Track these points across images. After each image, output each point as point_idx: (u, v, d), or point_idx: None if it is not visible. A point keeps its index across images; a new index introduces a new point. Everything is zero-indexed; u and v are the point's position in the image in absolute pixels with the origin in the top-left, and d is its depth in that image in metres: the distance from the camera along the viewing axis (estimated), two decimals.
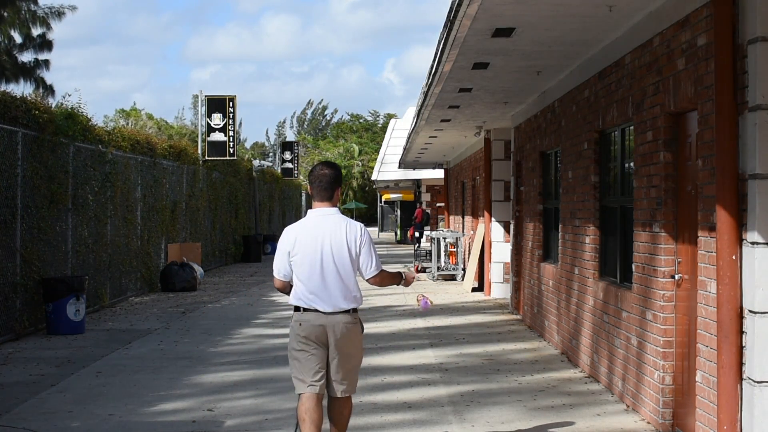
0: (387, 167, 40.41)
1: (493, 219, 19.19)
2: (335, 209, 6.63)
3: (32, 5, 34.67)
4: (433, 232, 25.96)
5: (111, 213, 17.67)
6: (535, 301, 13.99)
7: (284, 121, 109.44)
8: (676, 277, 7.63)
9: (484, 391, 9.52)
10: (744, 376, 6.08)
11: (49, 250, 14.51)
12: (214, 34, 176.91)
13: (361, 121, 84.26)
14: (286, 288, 6.70)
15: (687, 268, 7.51)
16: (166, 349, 12.37)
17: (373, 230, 59.01)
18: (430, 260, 25.33)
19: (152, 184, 20.87)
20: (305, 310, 6.47)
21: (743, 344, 6.10)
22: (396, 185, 48.07)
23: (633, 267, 8.57)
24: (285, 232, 6.62)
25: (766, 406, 5.92)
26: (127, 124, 51.60)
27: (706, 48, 6.68)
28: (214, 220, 28.77)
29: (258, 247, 33.46)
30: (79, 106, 16.67)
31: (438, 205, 41.17)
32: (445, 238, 24.79)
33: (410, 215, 45.09)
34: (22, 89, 35.06)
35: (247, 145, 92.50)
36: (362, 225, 6.72)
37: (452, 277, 24.02)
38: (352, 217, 6.73)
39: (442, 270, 24.27)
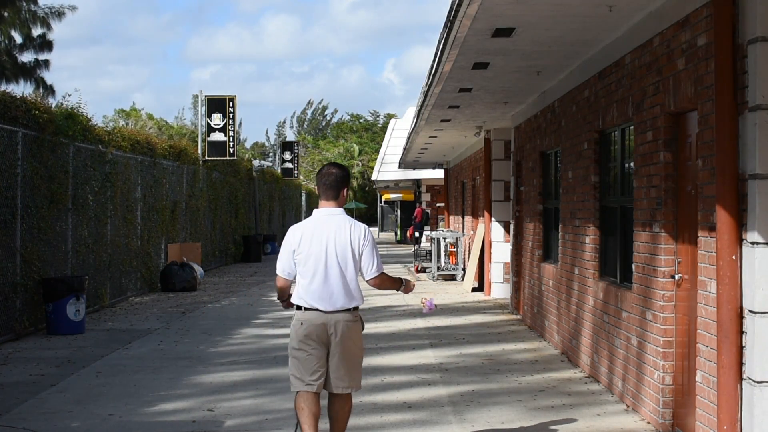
0: (387, 167, 40.41)
1: (493, 219, 19.19)
2: (341, 210, 6.71)
3: (32, 5, 34.67)
4: (433, 232, 25.97)
5: (111, 213, 17.67)
6: (535, 301, 13.99)
7: (284, 121, 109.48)
8: (676, 277, 7.63)
9: (484, 391, 9.52)
10: (744, 376, 6.09)
11: (49, 250, 14.51)
12: (214, 34, 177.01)
13: (361, 121, 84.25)
14: (287, 289, 6.77)
15: (687, 268, 7.51)
16: (166, 349, 12.37)
17: (373, 230, 59.01)
18: (430, 260, 25.33)
19: (152, 184, 20.87)
20: (307, 309, 6.55)
21: (743, 344, 6.10)
22: (396, 185, 48.07)
23: (633, 267, 8.57)
24: (290, 231, 6.70)
25: (766, 406, 5.92)
26: (127, 124, 51.60)
27: (706, 48, 6.68)
28: (214, 220, 28.77)
29: (258, 247, 33.46)
30: (79, 106, 16.69)
31: (438, 205, 41.17)
32: (445, 238, 24.79)
33: (410, 215, 45.11)
34: (22, 89, 35.09)
35: (247, 145, 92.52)
36: (366, 227, 6.80)
37: (452, 277, 24.02)
38: (351, 217, 6.82)
39: (442, 270, 24.26)
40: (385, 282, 6.78)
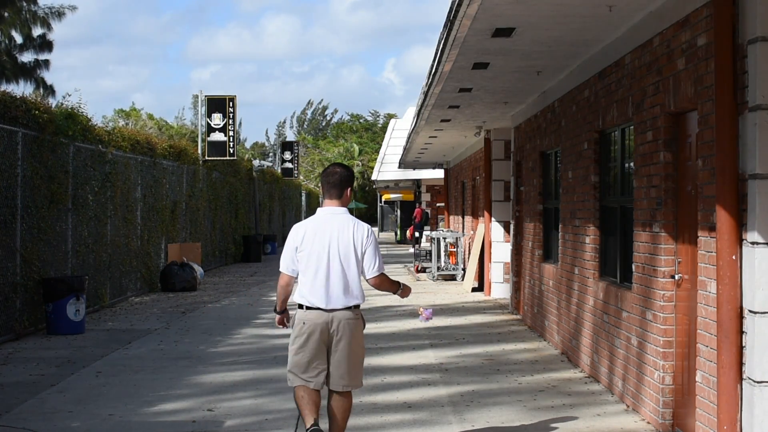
0: (387, 167, 40.40)
1: (493, 219, 19.19)
2: (344, 209, 6.80)
3: (32, 5, 34.67)
4: (433, 232, 25.97)
5: (111, 213, 17.67)
6: (535, 301, 13.99)
7: (284, 121, 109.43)
8: (676, 277, 7.63)
9: (484, 391, 9.52)
10: (744, 376, 6.08)
11: (49, 250, 14.51)
12: (214, 34, 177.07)
13: (361, 121, 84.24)
14: (290, 286, 6.81)
15: (687, 268, 7.51)
16: (166, 349, 12.37)
17: (373, 230, 58.93)
18: (430, 260, 25.33)
19: (152, 184, 20.87)
20: (308, 308, 6.62)
21: (743, 344, 6.10)
22: (396, 185, 48.05)
23: (633, 267, 8.57)
24: (293, 229, 6.79)
25: (766, 406, 5.92)
26: (127, 124, 51.60)
27: (706, 48, 6.68)
28: (214, 220, 28.77)
29: (258, 247, 33.46)
30: (79, 106, 16.68)
31: (438, 205, 41.17)
32: (445, 238, 24.79)
33: (410, 215, 45.09)
34: (22, 89, 35.10)
35: (247, 145, 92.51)
36: (369, 226, 6.90)
37: (452, 277, 24.02)
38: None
39: (442, 270, 24.26)
40: (384, 282, 6.85)
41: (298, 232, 6.72)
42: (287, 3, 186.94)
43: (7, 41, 35.27)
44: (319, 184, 7.12)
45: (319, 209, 6.88)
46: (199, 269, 21.88)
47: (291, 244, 6.71)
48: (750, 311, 6.01)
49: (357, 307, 6.70)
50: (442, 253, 24.64)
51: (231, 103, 28.68)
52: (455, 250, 24.66)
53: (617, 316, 9.10)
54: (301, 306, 6.66)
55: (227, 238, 31.11)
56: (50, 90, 36.01)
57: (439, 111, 15.76)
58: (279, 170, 47.38)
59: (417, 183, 45.24)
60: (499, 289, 19.14)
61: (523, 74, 11.77)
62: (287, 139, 70.46)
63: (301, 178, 61.30)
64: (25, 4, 34.36)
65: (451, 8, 8.52)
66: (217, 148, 28.17)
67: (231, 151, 28.45)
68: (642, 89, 8.38)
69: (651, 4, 7.91)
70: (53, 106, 15.94)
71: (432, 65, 11.87)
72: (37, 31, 35.49)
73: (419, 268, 26.64)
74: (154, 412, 8.62)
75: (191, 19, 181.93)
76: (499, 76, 11.92)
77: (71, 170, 15.50)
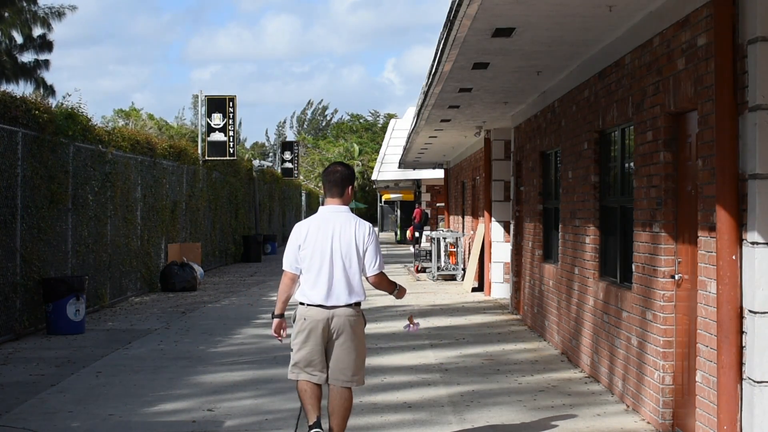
0: (387, 167, 40.40)
1: (493, 219, 19.19)
2: (346, 207, 6.87)
3: (32, 5, 34.67)
4: (433, 232, 25.97)
5: (111, 213, 17.67)
6: (536, 301, 13.99)
7: (284, 121, 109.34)
8: (676, 277, 7.63)
9: (485, 391, 9.52)
10: (744, 376, 6.08)
11: (49, 250, 14.51)
12: (214, 34, 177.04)
13: (361, 121, 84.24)
14: (293, 285, 6.83)
15: (687, 268, 7.51)
16: (166, 349, 12.37)
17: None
18: (430, 260, 25.33)
19: (152, 184, 20.87)
20: (309, 305, 6.69)
21: (743, 344, 6.10)
22: (396, 185, 48.06)
23: (633, 267, 8.57)
24: (296, 227, 6.86)
25: (766, 406, 5.92)
26: (127, 124, 51.61)
27: (706, 48, 6.68)
28: (214, 220, 28.77)
29: (258, 247, 33.46)
30: (79, 106, 16.68)
31: (438, 205, 41.16)
32: (445, 238, 24.79)
33: (410, 215, 45.09)
34: (22, 89, 35.11)
35: (247, 145, 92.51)
36: (371, 225, 6.97)
37: (452, 277, 24.02)
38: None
39: (442, 270, 24.26)
40: (383, 281, 6.91)
41: (301, 230, 6.79)
42: (287, 3, 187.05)
43: (7, 41, 35.27)
44: (320, 184, 7.23)
45: (321, 208, 6.95)
46: (199, 269, 21.88)
47: (294, 243, 6.78)
48: (750, 311, 6.01)
49: (358, 304, 6.77)
50: (442, 253, 24.64)
51: (231, 103, 28.68)
52: (455, 250, 24.66)
53: (617, 316, 9.10)
54: (302, 303, 6.74)
55: (227, 238, 31.11)
56: (50, 90, 36.02)
57: (439, 111, 15.76)
58: (279, 170, 47.38)
59: (417, 183, 45.23)
60: (499, 289, 19.14)
61: (523, 74, 11.77)
62: (287, 139, 70.44)
63: (301, 178, 61.32)
64: (25, 4, 34.36)
65: (451, 8, 8.52)
66: (217, 148, 28.17)
67: (231, 151, 28.45)
68: (642, 89, 8.38)
69: (651, 4, 7.91)
70: (53, 106, 15.95)
71: (432, 65, 11.87)
72: (37, 31, 35.51)
73: (419, 268, 26.64)
74: (154, 412, 8.61)
75: (191, 19, 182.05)
76: (499, 76, 11.92)
77: (71, 170, 15.50)
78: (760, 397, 5.92)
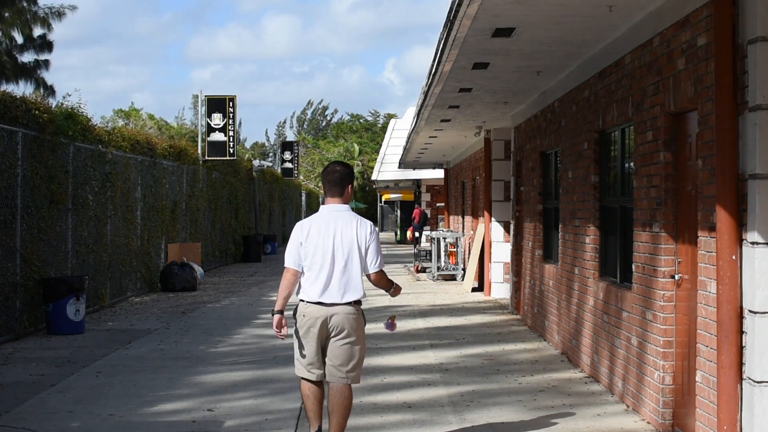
0: (387, 167, 40.40)
1: (493, 219, 19.19)
2: (346, 206, 6.95)
3: (33, 5, 34.67)
4: (433, 232, 25.97)
5: (111, 213, 17.67)
6: (536, 301, 13.99)
7: (284, 121, 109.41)
8: (676, 277, 7.63)
9: (485, 391, 9.52)
10: (744, 376, 6.08)
11: (49, 250, 14.51)
12: (214, 34, 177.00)
13: (361, 121, 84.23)
14: (295, 282, 6.87)
15: (687, 268, 7.51)
16: (166, 349, 12.37)
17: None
18: (430, 260, 25.33)
19: (152, 184, 20.87)
20: (309, 302, 6.78)
21: (743, 344, 6.10)
22: (396, 185, 48.05)
23: (633, 267, 8.57)
24: (297, 226, 6.94)
25: (766, 406, 5.92)
26: (127, 124, 51.62)
27: (706, 48, 6.68)
28: (214, 220, 28.77)
29: (258, 247, 33.46)
30: (79, 106, 16.69)
31: (438, 205, 41.16)
32: (445, 238, 24.79)
33: (410, 215, 45.09)
34: (22, 89, 35.12)
35: (247, 145, 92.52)
36: (372, 223, 7.04)
37: (452, 277, 24.02)
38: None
39: (442, 270, 24.26)
40: (382, 279, 7.00)
41: (302, 228, 6.87)
42: (287, 3, 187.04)
43: (7, 41, 35.27)
44: (320, 184, 7.36)
45: (322, 207, 7.02)
46: (199, 269, 21.88)
47: (295, 240, 6.86)
48: (750, 311, 6.01)
49: (358, 302, 6.84)
50: (442, 253, 24.64)
51: (231, 103, 28.68)
52: (455, 250, 24.66)
53: (617, 316, 9.10)
54: (302, 300, 6.83)
55: (227, 238, 31.11)
56: (50, 90, 36.03)
57: (439, 111, 15.76)
58: (279, 170, 47.38)
59: (417, 183, 45.23)
60: (499, 289, 19.14)
61: (523, 74, 11.77)
62: (287, 139, 70.44)
63: (301, 178, 61.29)
64: (25, 4, 34.37)
65: (451, 8, 8.52)
66: (217, 148, 28.17)
67: (231, 151, 28.46)
68: (642, 89, 8.38)
69: (651, 4, 7.91)
70: (53, 106, 15.95)
71: (432, 65, 11.87)
72: (37, 31, 35.51)
73: (419, 268, 26.64)
74: (154, 412, 8.62)
75: (191, 19, 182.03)
76: (499, 76, 11.92)
77: (71, 170, 15.50)
78: (760, 397, 5.92)
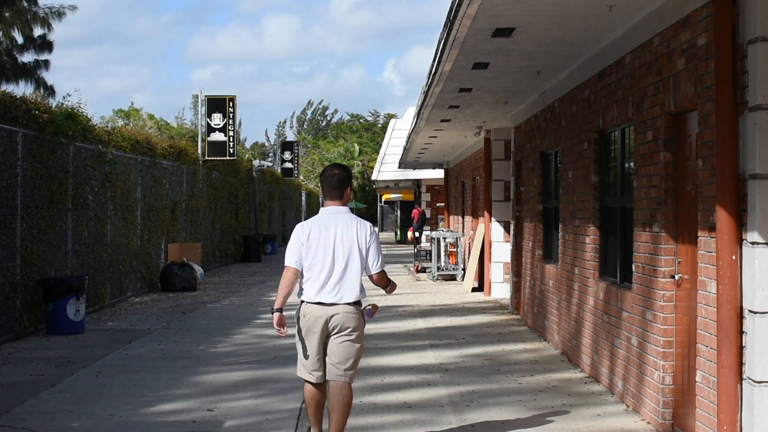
0: (387, 167, 40.38)
1: (493, 219, 19.19)
2: (346, 208, 7.07)
3: (33, 5, 34.67)
4: (433, 232, 25.97)
5: (111, 213, 17.67)
6: (536, 302, 13.99)
7: (284, 121, 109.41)
8: (676, 277, 7.63)
9: (485, 391, 9.52)
10: (744, 376, 6.08)
11: (49, 250, 14.51)
12: (214, 34, 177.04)
13: (361, 121, 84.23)
14: (295, 282, 6.94)
15: (687, 268, 7.51)
16: (166, 349, 12.37)
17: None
18: (430, 260, 25.33)
19: (152, 184, 20.87)
20: (309, 303, 6.87)
21: (743, 344, 6.10)
22: (396, 185, 48.05)
23: (633, 267, 8.57)
24: (298, 227, 7.02)
25: (766, 406, 5.92)
26: (127, 124, 51.62)
27: (706, 48, 6.68)
28: (214, 220, 28.77)
29: (258, 247, 33.46)
30: (79, 106, 16.69)
31: (438, 205, 41.15)
32: (445, 238, 24.79)
33: (410, 215, 45.08)
34: (22, 90, 35.12)
35: (247, 145, 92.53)
36: (371, 224, 7.15)
37: (452, 277, 24.02)
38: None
39: (442, 270, 24.26)
40: (383, 279, 7.12)
41: (303, 230, 6.95)
42: (287, 3, 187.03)
43: (8, 41, 35.27)
44: (320, 184, 7.49)
45: (321, 209, 7.11)
46: (199, 269, 21.88)
47: (296, 240, 6.94)
48: (750, 311, 6.01)
49: (358, 303, 6.93)
50: (442, 253, 24.64)
51: (231, 103, 28.68)
52: (455, 250, 24.65)
53: (617, 316, 9.10)
54: (303, 300, 6.92)
55: (227, 238, 31.11)
56: (50, 90, 36.03)
57: (439, 111, 15.76)
58: (279, 170, 47.38)
59: (417, 183, 45.22)
60: (499, 289, 19.14)
61: (523, 74, 11.77)
62: (287, 139, 70.44)
63: (301, 178, 61.30)
64: (25, 4, 34.36)
65: (451, 8, 8.52)
66: (217, 148, 28.17)
67: (231, 151, 28.46)
68: (642, 89, 8.38)
69: (651, 4, 7.90)
70: (53, 106, 15.95)
71: (432, 65, 11.87)
72: (37, 32, 35.50)
73: (419, 268, 26.64)
74: (154, 412, 8.61)
75: (191, 19, 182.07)
76: (499, 76, 11.92)
77: (71, 170, 15.50)
78: (760, 397, 5.92)
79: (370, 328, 13.36)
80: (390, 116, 71.31)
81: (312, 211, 59.80)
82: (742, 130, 6.14)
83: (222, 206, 29.94)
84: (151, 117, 62.67)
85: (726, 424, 6.13)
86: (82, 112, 16.27)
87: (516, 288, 16.25)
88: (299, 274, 6.91)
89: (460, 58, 10.44)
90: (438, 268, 24.19)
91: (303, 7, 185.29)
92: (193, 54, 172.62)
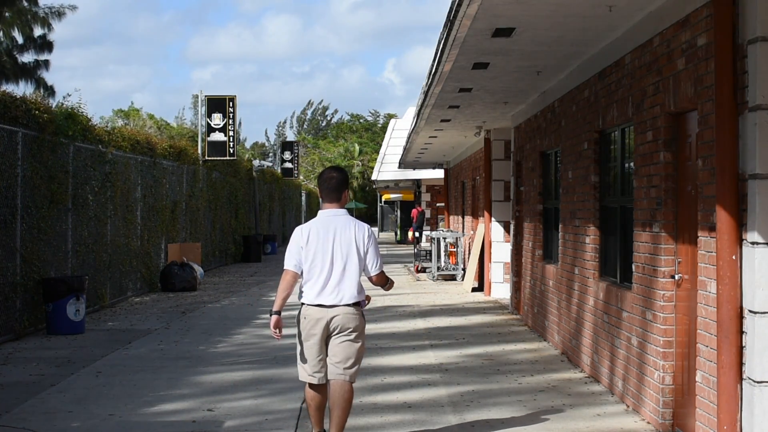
0: (387, 167, 40.38)
1: (493, 219, 19.19)
2: (344, 210, 7.14)
3: (33, 6, 34.67)
4: (433, 232, 25.97)
5: (111, 213, 17.67)
6: (536, 302, 13.98)
7: (284, 121, 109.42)
8: (676, 277, 7.63)
9: (485, 391, 9.52)
10: (744, 376, 6.08)
11: (49, 250, 14.51)
12: (215, 34, 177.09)
13: (361, 121, 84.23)
14: (293, 284, 7.05)
15: (687, 268, 7.51)
16: (166, 349, 12.37)
17: (373, 230, 58.94)
18: (430, 260, 25.32)
19: (152, 184, 20.87)
20: (310, 305, 6.94)
21: (743, 344, 6.10)
22: (396, 185, 48.04)
23: (633, 267, 8.57)
24: (297, 230, 7.10)
25: (766, 406, 5.92)
26: (127, 124, 51.62)
27: (706, 48, 6.68)
28: (214, 220, 28.77)
29: (258, 247, 33.45)
30: (79, 106, 16.69)
31: (438, 205, 41.15)
32: (445, 238, 24.78)
33: (410, 215, 45.07)
34: (22, 90, 35.12)
35: (247, 145, 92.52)
36: (369, 226, 7.25)
37: (452, 277, 24.01)
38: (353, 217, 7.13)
39: (442, 270, 24.26)
40: (382, 279, 7.23)
41: (302, 233, 7.03)
42: (287, 3, 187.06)
43: (8, 41, 35.28)
44: (317, 187, 7.58)
45: (320, 212, 7.18)
46: (199, 269, 21.88)
47: (296, 243, 7.01)
48: (750, 311, 6.01)
49: (358, 304, 7.00)
50: (442, 253, 24.63)
51: (231, 103, 28.68)
52: (455, 250, 24.65)
53: (617, 316, 9.09)
54: (303, 303, 6.99)
55: (227, 238, 31.11)
56: (50, 90, 36.04)
57: (439, 111, 15.76)
58: (279, 170, 47.37)
59: (417, 183, 45.21)
60: (499, 289, 19.14)
61: (523, 74, 11.77)
62: (287, 139, 70.45)
63: (301, 178, 61.28)
64: (26, 4, 34.37)
65: (451, 8, 8.52)
66: (217, 148, 28.17)
67: (231, 151, 28.45)
68: (642, 89, 8.38)
69: (651, 4, 7.90)
70: (53, 106, 15.95)
71: (432, 65, 11.87)
72: (37, 32, 35.51)
73: (419, 268, 26.64)
74: (154, 412, 8.61)
75: (191, 19, 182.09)
76: (499, 76, 11.92)
77: (71, 170, 15.50)
78: (760, 397, 5.92)
79: (370, 328, 13.35)
80: (390, 116, 71.30)
81: (312, 211, 59.77)
82: (742, 130, 6.14)
83: (222, 206, 29.94)
84: (151, 117, 62.67)
85: (726, 424, 6.13)
86: (82, 112, 16.27)
87: (516, 288, 16.25)
88: (298, 278, 7.01)
89: (460, 58, 10.44)
90: (438, 268, 24.19)
91: (303, 7, 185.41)
92: (193, 54, 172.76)
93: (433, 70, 11.77)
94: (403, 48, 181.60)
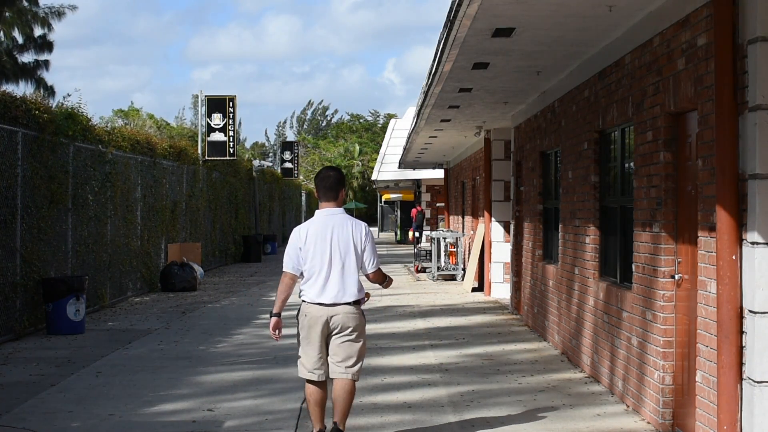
0: (387, 167, 40.36)
1: (493, 219, 19.19)
2: (341, 209, 7.21)
3: (33, 5, 34.68)
4: (433, 232, 25.97)
5: (111, 213, 17.67)
6: (536, 302, 13.98)
7: (284, 121, 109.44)
8: (676, 277, 7.63)
9: (485, 391, 9.52)
10: (744, 376, 6.08)
11: (49, 250, 14.51)
12: (215, 34, 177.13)
13: (361, 121, 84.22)
14: (292, 286, 7.15)
15: (687, 268, 7.51)
16: (166, 349, 12.37)
17: (373, 230, 58.98)
18: (430, 260, 25.32)
19: (152, 184, 20.87)
20: (310, 303, 7.02)
21: (743, 344, 6.10)
22: (396, 185, 48.03)
23: (633, 267, 8.57)
24: (295, 231, 7.18)
25: (766, 406, 5.92)
26: (127, 124, 51.61)
27: (706, 48, 6.68)
28: (214, 220, 28.77)
29: (258, 247, 33.46)
30: (79, 106, 16.69)
31: (438, 205, 41.15)
32: (445, 238, 24.78)
33: (410, 215, 45.06)
34: (22, 90, 35.13)
35: (247, 145, 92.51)
36: (365, 224, 7.32)
37: (452, 277, 24.01)
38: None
39: (442, 270, 24.26)
40: (379, 276, 7.31)
41: (300, 233, 7.10)
42: (287, 3, 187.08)
43: (8, 41, 35.28)
44: (314, 187, 7.67)
45: (317, 211, 7.25)
46: (199, 269, 21.88)
47: (294, 245, 7.09)
48: (750, 311, 6.01)
49: (357, 302, 7.07)
50: (442, 253, 24.63)
51: (231, 103, 28.68)
52: (455, 250, 24.65)
53: (617, 317, 9.09)
54: (304, 301, 7.07)
55: (227, 238, 31.11)
56: (50, 90, 36.05)
57: (439, 111, 15.76)
58: (279, 170, 47.38)
59: (417, 183, 45.21)
60: (499, 289, 19.14)
61: (523, 74, 11.77)
62: (287, 139, 70.42)
63: (301, 178, 61.28)
64: (26, 4, 34.38)
65: (451, 8, 8.52)
66: (217, 148, 28.17)
67: (231, 151, 28.46)
68: (642, 89, 8.38)
69: (651, 4, 7.90)
70: (53, 106, 15.95)
71: (432, 65, 11.87)
72: (37, 32, 35.52)
73: (419, 268, 26.64)
74: (154, 412, 8.61)
75: (191, 19, 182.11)
76: (499, 76, 11.92)
77: (71, 170, 15.50)
78: (760, 397, 5.92)
79: (371, 328, 13.34)
80: (390, 116, 71.31)
81: (312, 211, 59.66)
82: (742, 130, 6.14)
83: (222, 206, 29.94)
84: (151, 117, 62.67)
85: (726, 424, 6.13)
86: (82, 112, 16.27)
87: (516, 288, 16.25)
88: (296, 279, 7.08)
89: (460, 58, 10.44)
90: (438, 268, 24.19)
91: (303, 7, 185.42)
92: (193, 54, 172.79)
93: (433, 70, 11.77)
94: (403, 48, 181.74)
